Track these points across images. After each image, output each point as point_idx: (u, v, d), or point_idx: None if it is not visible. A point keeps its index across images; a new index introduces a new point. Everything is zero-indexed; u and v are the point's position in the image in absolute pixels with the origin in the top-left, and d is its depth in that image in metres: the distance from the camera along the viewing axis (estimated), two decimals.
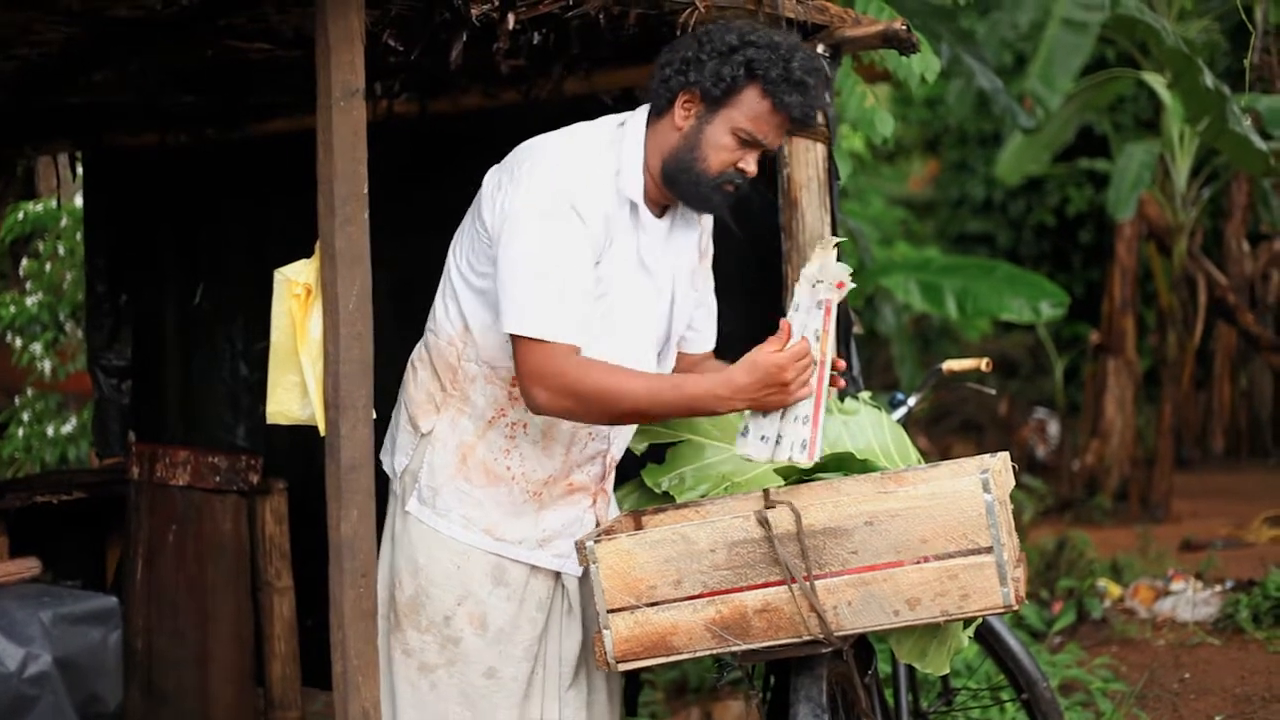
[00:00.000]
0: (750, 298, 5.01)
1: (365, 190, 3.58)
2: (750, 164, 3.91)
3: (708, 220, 4.22)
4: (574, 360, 3.75)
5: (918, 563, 3.65)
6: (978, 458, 4.01)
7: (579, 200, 3.80)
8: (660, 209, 4.01)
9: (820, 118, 4.70)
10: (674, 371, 4.21)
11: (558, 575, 4.11)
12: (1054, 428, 14.74)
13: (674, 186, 3.92)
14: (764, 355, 3.79)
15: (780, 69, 3.82)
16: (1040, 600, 7.98)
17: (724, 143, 3.87)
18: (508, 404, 3.98)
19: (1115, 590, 8.24)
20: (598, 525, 4.11)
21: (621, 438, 4.13)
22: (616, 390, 3.78)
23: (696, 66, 3.86)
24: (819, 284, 3.80)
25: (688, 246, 4.13)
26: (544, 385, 3.75)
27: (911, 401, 5.00)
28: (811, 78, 3.85)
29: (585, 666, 4.18)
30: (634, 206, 3.93)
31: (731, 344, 5.01)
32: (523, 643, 4.05)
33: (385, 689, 4.02)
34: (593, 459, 4.08)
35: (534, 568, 4.05)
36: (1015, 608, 3.67)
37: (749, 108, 3.85)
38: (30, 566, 3.61)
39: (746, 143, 3.88)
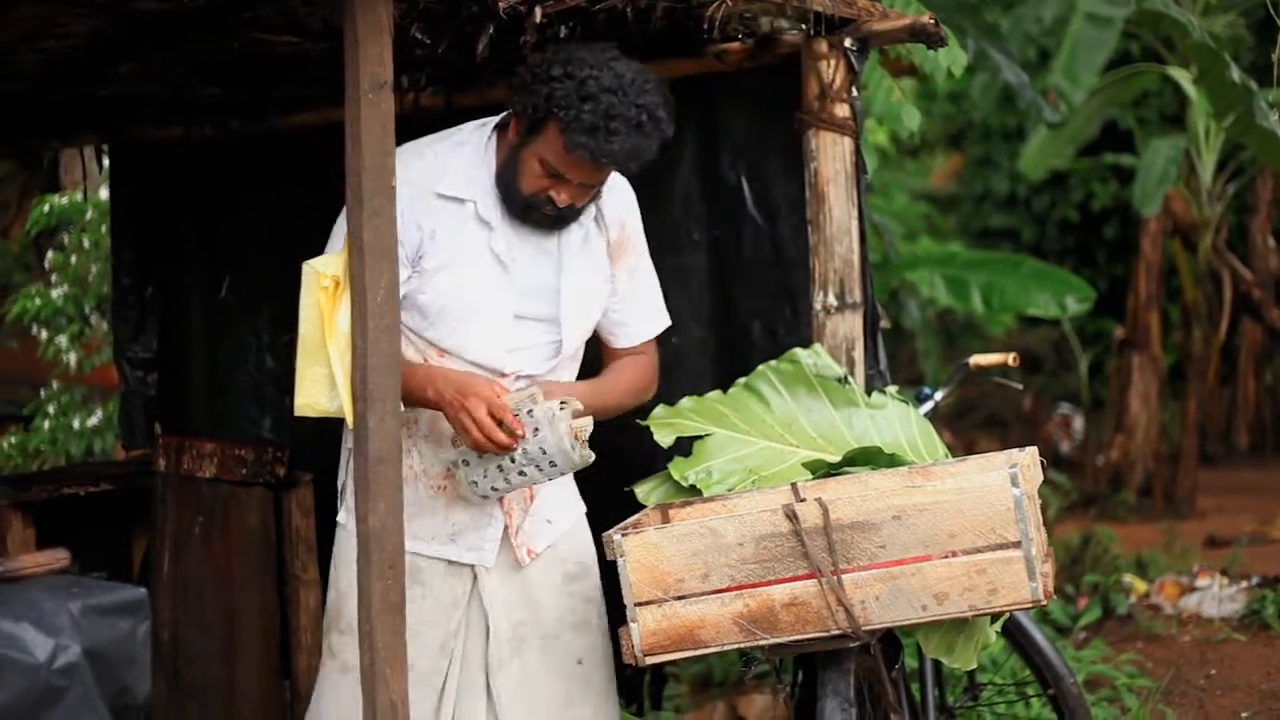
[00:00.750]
0: (771, 289, 5.00)
1: (393, 183, 3.58)
2: (561, 194, 3.98)
3: (614, 216, 4.24)
4: None
5: (945, 557, 3.65)
6: (1005, 452, 4.00)
7: None
8: None
9: (849, 111, 4.68)
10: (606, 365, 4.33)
11: (475, 574, 4.17)
12: (1078, 423, 14.70)
13: (500, 194, 4.05)
14: (474, 390, 3.88)
15: (575, 109, 3.83)
16: (1065, 595, 7.96)
17: (533, 169, 3.96)
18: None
19: (1140, 586, 8.23)
20: (507, 524, 4.15)
21: None
22: None
23: (522, 89, 3.95)
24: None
25: (578, 241, 4.16)
26: None
27: (938, 396, 5.00)
28: (615, 123, 3.83)
29: (519, 656, 4.20)
30: (477, 205, 4.05)
31: (750, 336, 5.02)
32: (437, 639, 4.14)
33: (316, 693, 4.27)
34: None
35: (449, 564, 4.14)
36: (1044, 603, 3.67)
37: (550, 141, 3.91)
38: (59, 558, 3.60)
39: (553, 174, 3.94)
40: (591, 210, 4.14)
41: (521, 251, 4.09)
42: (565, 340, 4.15)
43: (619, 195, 4.24)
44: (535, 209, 4.01)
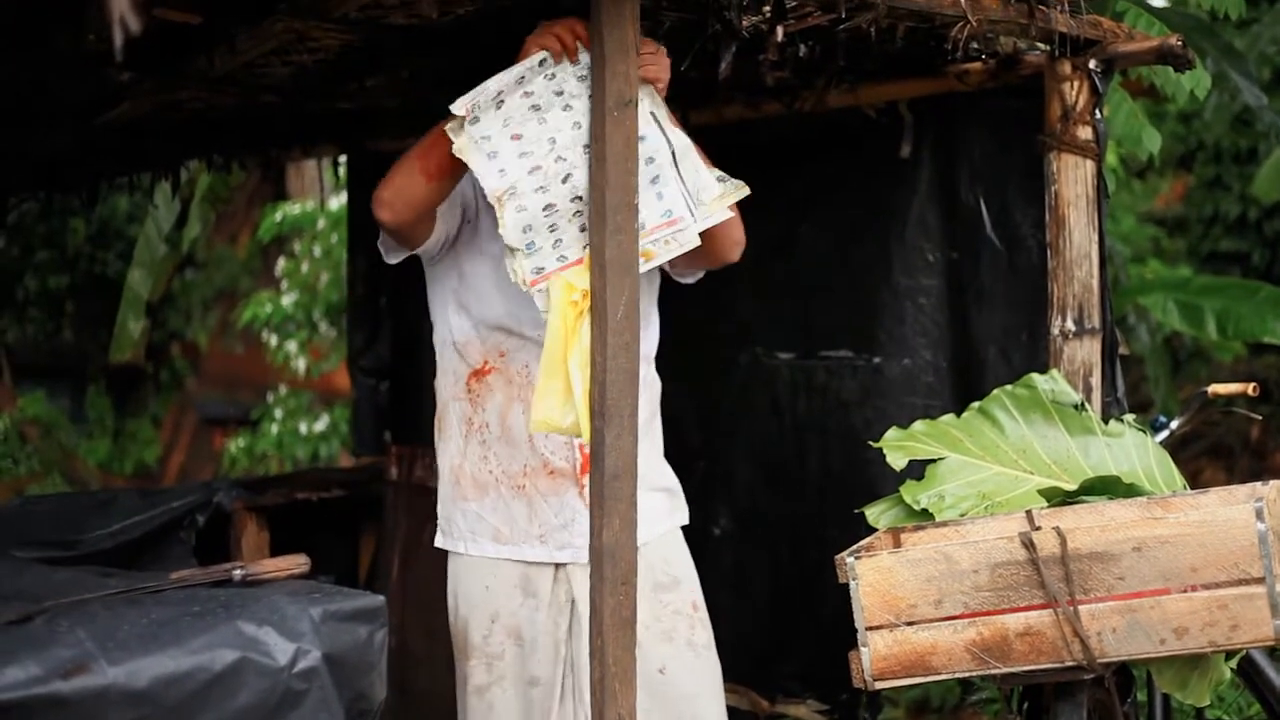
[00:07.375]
0: (1008, 313, 4.95)
1: (636, 200, 3.59)
2: None
3: None
4: None
5: (1185, 591, 3.58)
6: (1249, 485, 3.91)
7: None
8: None
9: (1092, 133, 4.61)
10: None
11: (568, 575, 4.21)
12: None
13: None
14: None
15: None
16: None
17: None
18: (470, 409, 4.18)
19: None
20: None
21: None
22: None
23: None
24: None
25: None
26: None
27: (1174, 425, 4.90)
28: None
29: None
30: None
31: (985, 360, 4.96)
32: (552, 646, 4.16)
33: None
34: (562, 442, 4.13)
35: (555, 572, 4.16)
36: None
37: None
38: (300, 563, 3.66)
39: None
40: None
41: None
42: None
43: None
44: None
